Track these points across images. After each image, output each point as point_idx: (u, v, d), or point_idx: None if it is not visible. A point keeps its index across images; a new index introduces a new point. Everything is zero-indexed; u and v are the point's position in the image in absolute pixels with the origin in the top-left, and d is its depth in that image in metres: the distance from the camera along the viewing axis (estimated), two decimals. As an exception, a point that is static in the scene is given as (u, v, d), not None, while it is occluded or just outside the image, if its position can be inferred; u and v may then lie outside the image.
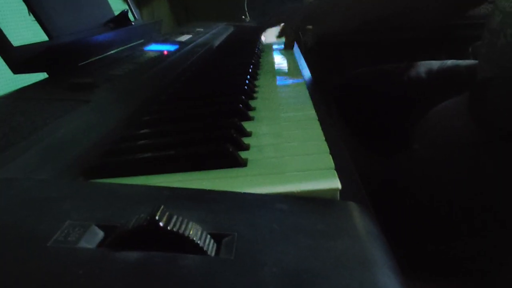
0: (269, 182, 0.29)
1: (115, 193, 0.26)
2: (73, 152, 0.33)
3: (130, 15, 0.99)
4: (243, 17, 1.59)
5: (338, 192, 0.27)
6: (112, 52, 0.80)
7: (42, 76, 0.61)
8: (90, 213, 0.23)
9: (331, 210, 0.25)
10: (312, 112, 0.41)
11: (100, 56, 0.74)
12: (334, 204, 0.26)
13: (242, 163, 0.32)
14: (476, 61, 0.90)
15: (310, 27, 1.19)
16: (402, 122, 0.86)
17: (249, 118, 0.43)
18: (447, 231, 0.57)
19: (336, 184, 0.27)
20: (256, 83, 0.60)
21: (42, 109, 0.41)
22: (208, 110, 0.44)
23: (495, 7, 0.66)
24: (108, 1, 0.94)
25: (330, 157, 0.31)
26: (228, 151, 0.31)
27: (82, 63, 0.69)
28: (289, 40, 0.96)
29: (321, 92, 0.63)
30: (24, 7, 0.67)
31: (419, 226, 0.59)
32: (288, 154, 0.33)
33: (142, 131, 0.40)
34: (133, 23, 0.97)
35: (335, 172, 0.29)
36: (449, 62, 1.00)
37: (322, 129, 0.38)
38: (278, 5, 1.55)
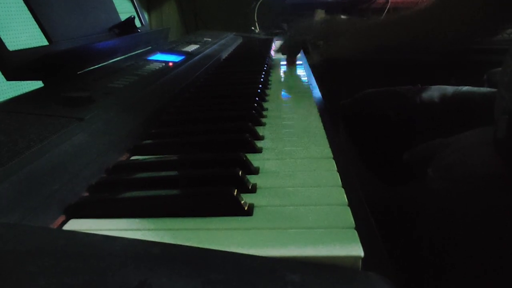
0: (278, 240, 0.24)
1: (95, 249, 0.22)
2: (55, 185, 0.29)
3: (137, 21, 0.95)
4: (252, 28, 1.57)
5: (360, 261, 0.23)
6: (115, 59, 0.76)
7: (36, 84, 0.57)
8: (61, 277, 0.19)
9: (351, 285, 0.21)
10: (327, 150, 0.37)
11: (101, 64, 0.70)
12: (356, 277, 0.21)
13: (247, 212, 0.27)
14: (492, 90, 0.87)
15: (321, 42, 1.16)
16: (411, 148, 0.82)
17: (257, 150, 0.38)
18: (458, 273, 0.53)
19: (358, 251, 0.23)
20: (265, 105, 0.55)
21: (29, 128, 0.36)
22: (211, 138, 0.40)
23: None
24: (114, 6, 0.90)
25: (350, 212, 0.27)
26: (231, 197, 0.27)
27: (82, 71, 0.65)
28: (291, 58, 0.95)
29: (330, 111, 0.59)
30: (25, 9, 0.64)
31: (427, 264, 0.55)
32: (300, 203, 0.29)
33: (134, 162, 0.36)
34: (139, 30, 0.93)
35: (356, 233, 0.25)
36: (464, 88, 0.96)
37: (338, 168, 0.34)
38: (287, 17, 1.53)
